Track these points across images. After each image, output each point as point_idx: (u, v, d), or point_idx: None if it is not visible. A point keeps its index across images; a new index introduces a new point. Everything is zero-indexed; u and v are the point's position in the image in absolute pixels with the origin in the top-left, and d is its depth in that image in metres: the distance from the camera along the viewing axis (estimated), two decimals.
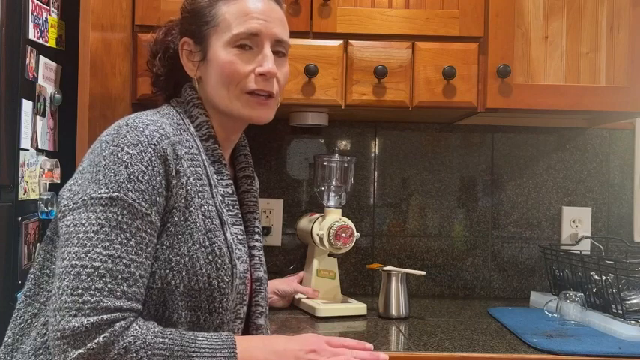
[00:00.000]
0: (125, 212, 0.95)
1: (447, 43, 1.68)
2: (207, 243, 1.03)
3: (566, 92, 1.68)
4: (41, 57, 1.36)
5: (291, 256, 2.01)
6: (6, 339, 1.05)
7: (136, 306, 0.95)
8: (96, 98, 1.40)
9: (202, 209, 1.04)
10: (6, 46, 1.24)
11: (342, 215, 1.73)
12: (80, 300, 0.91)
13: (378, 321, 1.65)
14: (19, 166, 1.28)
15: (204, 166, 1.08)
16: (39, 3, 1.35)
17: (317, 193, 1.83)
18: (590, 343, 1.40)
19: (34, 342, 1.01)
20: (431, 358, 1.35)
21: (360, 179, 2.01)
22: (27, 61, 1.30)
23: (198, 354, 0.95)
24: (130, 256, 0.95)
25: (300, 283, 1.80)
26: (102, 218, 0.94)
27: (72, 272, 0.92)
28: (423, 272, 1.74)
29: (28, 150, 1.31)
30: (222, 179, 1.11)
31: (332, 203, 1.77)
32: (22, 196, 1.29)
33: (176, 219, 1.01)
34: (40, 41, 1.36)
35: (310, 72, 1.63)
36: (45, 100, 1.39)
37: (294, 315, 1.69)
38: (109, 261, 0.93)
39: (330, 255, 1.73)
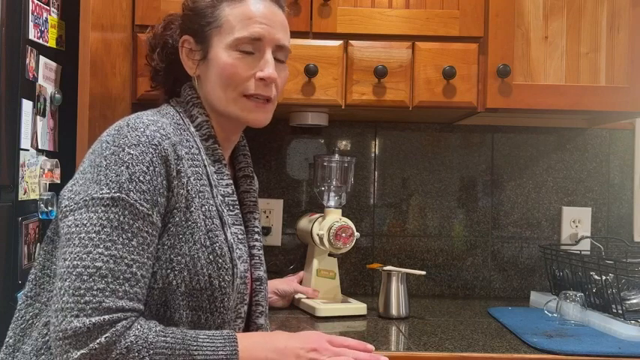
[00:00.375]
0: (127, 212, 0.95)
1: (447, 43, 1.68)
2: (208, 243, 1.03)
3: (566, 92, 1.68)
4: (41, 57, 1.36)
5: (291, 256, 2.01)
6: (7, 339, 1.05)
7: (137, 306, 0.95)
8: (96, 98, 1.40)
9: (203, 209, 1.04)
10: (6, 46, 1.24)
11: (342, 215, 1.73)
12: (82, 300, 0.91)
13: (378, 321, 1.65)
14: (19, 166, 1.28)
15: (205, 165, 1.08)
16: (39, 3, 1.35)
17: (317, 193, 1.83)
18: (590, 343, 1.40)
19: (35, 342, 1.01)
20: (431, 358, 1.35)
21: (360, 179, 2.01)
22: (27, 61, 1.30)
23: (200, 352, 0.96)
24: (132, 257, 0.95)
25: (300, 283, 1.80)
26: (103, 218, 0.94)
27: (74, 273, 0.92)
28: (423, 272, 1.74)
29: (28, 150, 1.31)
30: (222, 179, 1.12)
31: (332, 203, 1.77)
32: (22, 196, 1.29)
33: (177, 219, 1.01)
34: (40, 41, 1.36)
35: (310, 72, 1.63)
36: (45, 100, 1.39)
37: (294, 315, 1.69)
38: (111, 261, 0.93)
39: (330, 255, 1.73)
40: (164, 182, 0.99)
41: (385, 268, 1.72)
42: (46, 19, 1.39)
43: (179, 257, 1.00)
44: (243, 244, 1.12)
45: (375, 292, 1.97)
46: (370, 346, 1.10)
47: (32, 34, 1.32)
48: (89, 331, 0.90)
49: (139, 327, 0.93)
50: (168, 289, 0.99)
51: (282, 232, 2.00)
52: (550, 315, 1.65)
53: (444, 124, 2.03)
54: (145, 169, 0.97)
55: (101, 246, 0.93)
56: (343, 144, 2.03)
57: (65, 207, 0.98)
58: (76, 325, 0.90)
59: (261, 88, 1.12)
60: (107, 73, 1.48)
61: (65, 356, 0.90)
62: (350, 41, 1.68)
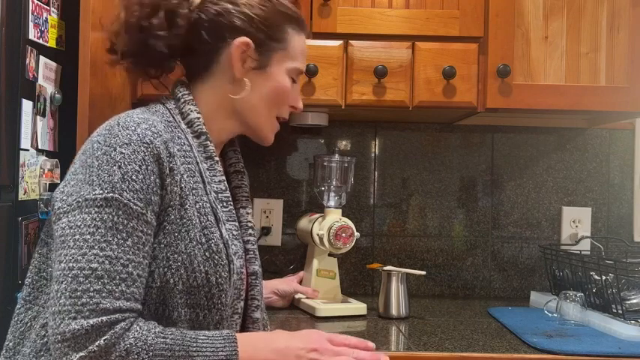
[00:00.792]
0: (120, 212, 0.95)
1: (447, 43, 1.68)
2: (203, 240, 1.03)
3: (566, 92, 1.68)
4: (41, 57, 1.36)
5: (291, 256, 2.01)
6: (7, 343, 1.04)
7: (135, 306, 0.95)
8: (96, 98, 1.40)
9: (197, 206, 1.04)
10: (6, 46, 1.24)
11: (342, 215, 1.73)
12: (79, 302, 0.90)
13: (378, 321, 1.65)
14: (19, 166, 1.28)
15: (197, 162, 1.08)
16: (39, 3, 1.35)
17: (317, 193, 1.83)
18: (590, 343, 1.40)
19: (34, 344, 1.00)
20: (431, 358, 1.35)
21: (360, 179, 2.01)
22: (27, 61, 1.30)
23: (200, 353, 0.95)
24: (128, 257, 0.94)
25: (300, 283, 1.80)
26: (97, 219, 0.94)
27: (69, 275, 0.92)
28: (423, 272, 1.74)
29: (28, 150, 1.31)
30: (215, 175, 1.11)
31: (332, 203, 1.77)
32: (22, 196, 1.29)
33: (172, 217, 1.01)
34: (40, 41, 1.36)
35: (310, 72, 1.63)
36: (45, 100, 1.39)
37: (294, 315, 1.69)
38: (107, 262, 0.93)
39: (330, 255, 1.73)
40: (157, 180, 0.99)
41: (385, 268, 1.72)
42: (46, 19, 1.39)
43: (175, 255, 1.00)
44: (238, 240, 1.11)
45: (375, 292, 1.97)
46: (371, 344, 1.10)
47: (32, 34, 1.32)
48: (87, 333, 0.89)
49: (137, 328, 0.93)
50: (166, 288, 0.99)
51: (282, 232, 2.00)
52: (550, 315, 1.65)
53: (444, 124, 2.03)
54: (137, 168, 0.97)
55: (96, 247, 0.93)
56: (343, 144, 2.03)
57: (58, 209, 0.97)
58: (74, 328, 0.89)
59: (287, 115, 1.23)
60: (107, 73, 1.48)
61: (64, 359, 0.90)
62: (350, 41, 1.68)
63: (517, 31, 1.68)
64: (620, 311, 1.52)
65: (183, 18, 1.11)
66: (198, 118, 1.12)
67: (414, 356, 1.35)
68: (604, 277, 1.58)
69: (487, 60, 1.68)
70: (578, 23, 1.69)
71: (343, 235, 1.67)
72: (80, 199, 0.95)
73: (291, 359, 1.01)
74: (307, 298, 1.73)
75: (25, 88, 1.30)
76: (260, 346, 1.01)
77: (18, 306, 1.06)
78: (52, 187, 1.39)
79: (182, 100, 1.13)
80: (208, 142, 1.12)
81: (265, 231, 1.98)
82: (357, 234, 1.70)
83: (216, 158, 1.12)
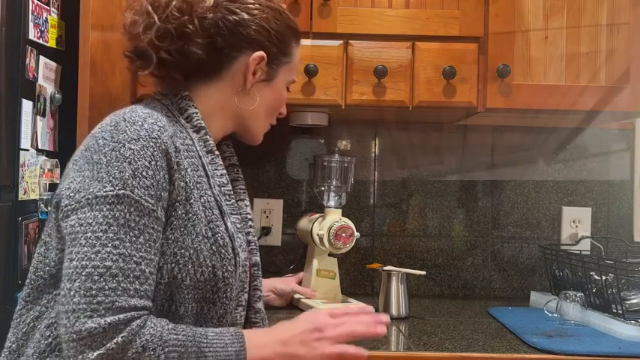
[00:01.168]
0: (132, 209, 0.95)
1: (447, 43, 1.68)
2: (209, 234, 1.03)
3: (566, 92, 1.68)
4: (41, 57, 1.36)
5: (291, 256, 2.01)
6: (10, 344, 1.04)
7: (148, 304, 0.95)
8: (96, 98, 1.40)
9: (202, 200, 1.04)
10: (6, 46, 1.24)
11: (342, 215, 1.73)
12: (94, 301, 0.90)
13: None
14: (19, 166, 1.28)
15: (200, 157, 1.08)
16: (39, 3, 1.35)
17: (317, 193, 1.83)
18: (590, 343, 1.40)
19: (38, 344, 1.00)
20: (431, 358, 1.35)
21: (360, 179, 2.01)
22: (27, 61, 1.30)
23: (211, 349, 0.96)
24: (140, 254, 0.95)
25: (300, 284, 1.80)
26: (109, 217, 0.94)
27: (83, 273, 0.91)
28: (423, 272, 1.74)
29: (28, 150, 1.31)
30: (217, 169, 1.12)
31: (332, 203, 1.77)
32: (22, 196, 1.29)
33: (179, 212, 1.01)
34: (40, 41, 1.36)
35: (310, 72, 1.63)
36: (45, 100, 1.39)
37: (293, 315, 1.68)
38: (120, 260, 0.93)
39: (330, 255, 1.73)
40: (166, 176, 0.99)
41: (385, 268, 1.72)
42: (46, 19, 1.39)
43: (182, 250, 1.00)
44: (241, 233, 1.12)
45: (375, 292, 1.97)
46: (370, 308, 1.13)
47: (32, 34, 1.32)
48: (105, 331, 0.90)
49: (152, 325, 0.94)
50: (173, 283, 1.00)
51: (282, 232, 2.00)
52: (550, 315, 1.65)
53: (444, 124, 2.03)
54: (147, 164, 0.97)
55: (109, 245, 0.93)
56: (343, 144, 2.03)
57: (66, 206, 0.97)
58: (91, 326, 0.89)
59: (275, 120, 1.28)
60: (107, 73, 1.48)
61: (81, 357, 0.89)
62: (350, 41, 1.68)
63: (517, 31, 1.68)
64: (620, 311, 1.52)
65: (210, 23, 1.11)
66: (197, 113, 1.12)
67: (414, 356, 1.35)
68: (604, 277, 1.58)
69: (487, 60, 1.67)
70: (578, 23, 1.69)
71: (343, 235, 1.67)
72: (90, 196, 0.95)
73: (297, 347, 1.02)
74: (306, 298, 1.73)
75: (25, 88, 1.30)
76: (265, 340, 1.02)
77: (18, 307, 1.05)
78: (52, 187, 1.39)
79: (178, 96, 1.13)
80: (208, 137, 1.12)
81: (265, 231, 1.98)
82: (357, 234, 1.70)
83: (217, 152, 1.13)
